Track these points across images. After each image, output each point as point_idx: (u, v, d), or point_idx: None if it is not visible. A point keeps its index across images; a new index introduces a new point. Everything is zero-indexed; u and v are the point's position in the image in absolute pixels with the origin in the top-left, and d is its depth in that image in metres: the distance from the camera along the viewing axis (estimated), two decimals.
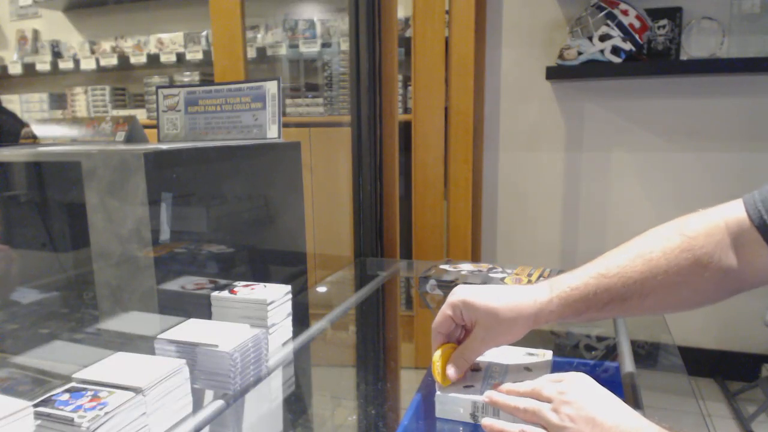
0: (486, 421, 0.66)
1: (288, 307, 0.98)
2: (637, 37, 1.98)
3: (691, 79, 2.12)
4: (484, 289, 0.74)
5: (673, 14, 2.09)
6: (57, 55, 3.52)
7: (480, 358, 0.79)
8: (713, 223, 0.69)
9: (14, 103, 3.62)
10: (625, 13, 1.98)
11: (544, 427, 0.62)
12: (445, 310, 0.75)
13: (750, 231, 0.66)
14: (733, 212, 0.68)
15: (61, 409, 0.60)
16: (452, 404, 0.72)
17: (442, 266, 1.40)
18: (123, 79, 3.50)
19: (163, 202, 0.87)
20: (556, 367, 0.80)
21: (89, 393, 0.63)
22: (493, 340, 0.73)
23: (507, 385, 0.69)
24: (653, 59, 2.12)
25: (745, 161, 2.10)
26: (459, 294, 0.74)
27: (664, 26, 2.10)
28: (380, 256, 1.93)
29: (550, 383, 0.65)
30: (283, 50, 2.88)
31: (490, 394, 0.68)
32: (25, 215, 1.09)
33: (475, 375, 0.77)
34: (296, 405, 0.96)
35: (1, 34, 3.80)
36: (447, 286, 1.29)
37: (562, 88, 2.27)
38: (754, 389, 2.08)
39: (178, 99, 1.31)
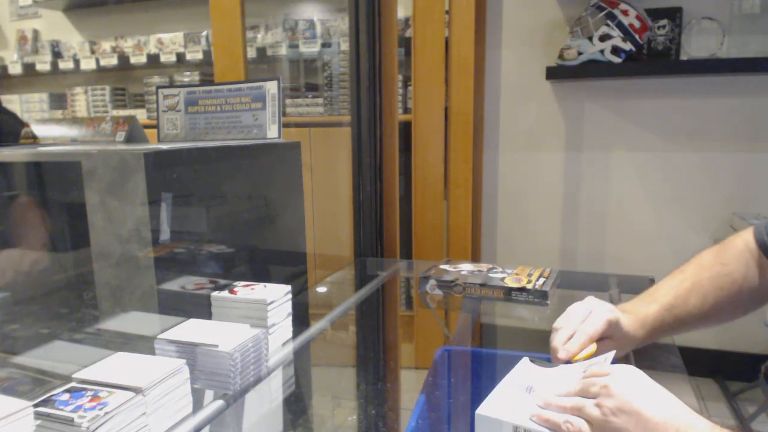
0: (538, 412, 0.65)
1: (288, 307, 0.98)
2: (637, 37, 1.98)
3: (691, 79, 2.12)
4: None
5: (673, 14, 2.09)
6: (57, 55, 3.52)
7: (530, 380, 0.75)
8: (739, 248, 0.86)
9: (14, 103, 3.62)
10: (625, 13, 1.98)
11: (590, 424, 0.60)
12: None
13: (758, 251, 0.83)
14: (749, 236, 0.86)
15: (61, 409, 0.60)
16: (491, 427, 0.66)
17: (442, 266, 1.40)
18: (123, 79, 3.50)
19: (163, 202, 0.87)
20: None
21: (89, 393, 0.63)
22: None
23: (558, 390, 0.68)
24: (653, 59, 2.12)
25: (745, 161, 2.10)
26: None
27: (664, 26, 2.10)
28: (380, 256, 1.93)
29: (596, 378, 0.64)
30: (283, 50, 2.88)
31: (540, 403, 0.67)
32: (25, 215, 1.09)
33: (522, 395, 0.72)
34: (296, 405, 0.96)
35: (1, 34, 3.79)
36: (447, 286, 1.29)
37: (562, 88, 2.27)
38: (754, 389, 2.08)
39: (178, 99, 1.31)
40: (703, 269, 0.86)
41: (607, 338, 0.79)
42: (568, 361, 0.76)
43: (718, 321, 0.86)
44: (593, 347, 0.76)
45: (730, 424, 0.58)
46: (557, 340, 0.77)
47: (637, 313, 0.83)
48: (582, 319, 0.78)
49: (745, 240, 0.86)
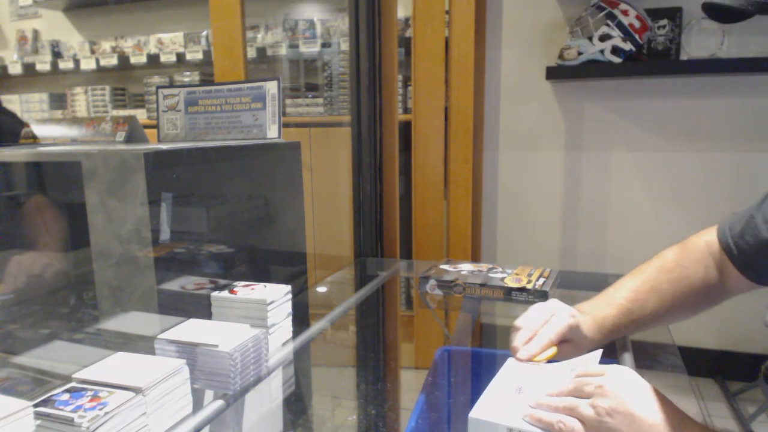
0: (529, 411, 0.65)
1: (288, 307, 0.98)
2: (637, 37, 1.98)
3: (691, 79, 2.12)
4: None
5: (673, 14, 2.09)
6: (57, 55, 3.52)
7: (520, 380, 0.74)
8: (701, 249, 0.88)
9: (14, 103, 3.62)
10: (625, 13, 1.98)
11: (583, 423, 0.60)
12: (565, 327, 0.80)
13: (720, 252, 0.85)
14: (712, 237, 0.88)
15: (61, 409, 0.60)
16: (485, 429, 0.66)
17: (442, 266, 1.40)
18: (123, 79, 3.50)
19: (163, 202, 0.87)
20: None
21: (89, 393, 0.63)
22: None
23: (551, 390, 0.67)
24: (653, 59, 2.12)
25: (745, 161, 2.10)
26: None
27: (664, 26, 2.10)
28: (380, 256, 1.93)
29: (590, 378, 0.64)
30: (283, 50, 2.88)
31: (532, 404, 0.66)
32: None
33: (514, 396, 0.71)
34: (296, 405, 0.96)
35: (1, 34, 3.79)
36: (447, 286, 1.29)
37: (562, 88, 2.27)
38: (754, 389, 2.08)
39: (178, 99, 1.31)
40: (664, 271, 0.87)
41: (566, 341, 0.80)
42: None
43: (673, 321, 0.90)
44: (554, 350, 0.78)
45: (727, 425, 0.58)
46: (518, 340, 0.78)
47: (595, 316, 0.85)
48: (544, 321, 0.79)
49: (707, 242, 0.87)
